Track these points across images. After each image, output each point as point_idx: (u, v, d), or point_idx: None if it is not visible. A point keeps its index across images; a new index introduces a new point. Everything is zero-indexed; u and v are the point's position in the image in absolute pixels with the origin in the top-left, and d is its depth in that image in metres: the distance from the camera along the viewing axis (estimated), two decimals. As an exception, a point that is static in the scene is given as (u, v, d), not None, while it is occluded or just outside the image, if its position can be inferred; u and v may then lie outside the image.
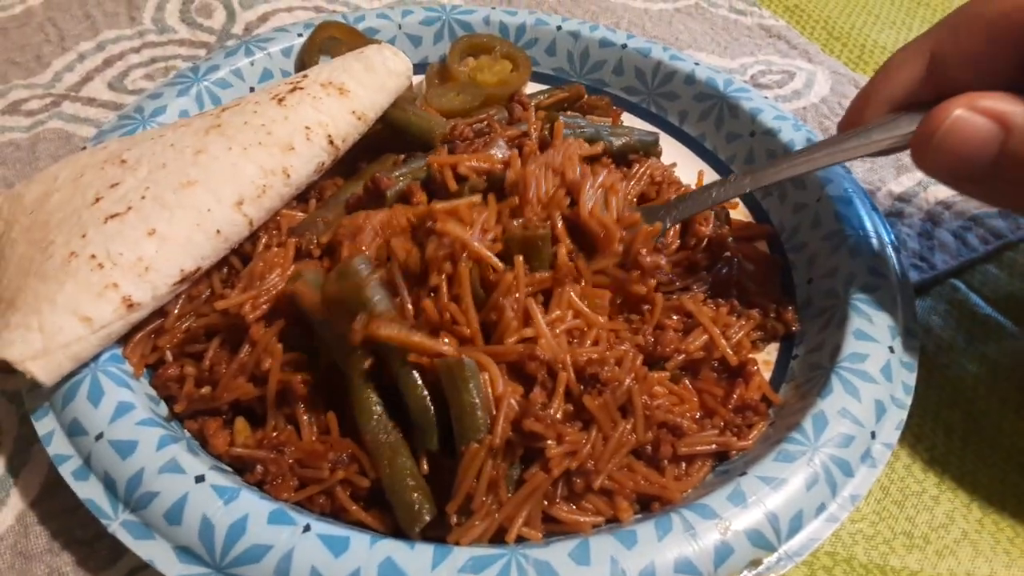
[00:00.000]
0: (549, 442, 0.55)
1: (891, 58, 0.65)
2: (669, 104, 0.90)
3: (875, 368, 0.61)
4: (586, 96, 0.91)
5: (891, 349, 0.63)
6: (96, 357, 0.59)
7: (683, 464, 0.60)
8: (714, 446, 0.60)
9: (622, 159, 0.79)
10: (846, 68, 1.01)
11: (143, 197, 0.63)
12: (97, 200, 0.63)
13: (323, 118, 0.71)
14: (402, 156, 0.78)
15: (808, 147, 0.68)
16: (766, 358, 0.69)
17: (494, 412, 0.55)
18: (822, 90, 0.97)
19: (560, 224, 0.64)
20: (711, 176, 0.84)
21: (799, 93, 0.97)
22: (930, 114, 0.57)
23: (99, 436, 0.55)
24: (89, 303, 0.57)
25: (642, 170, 0.77)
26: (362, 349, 0.56)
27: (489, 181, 0.68)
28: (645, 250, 0.64)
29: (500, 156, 0.69)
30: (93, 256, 0.59)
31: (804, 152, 0.67)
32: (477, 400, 0.55)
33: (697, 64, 0.89)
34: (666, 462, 0.59)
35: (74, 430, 0.56)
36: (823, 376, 0.61)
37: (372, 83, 0.76)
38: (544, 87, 0.93)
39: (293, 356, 0.59)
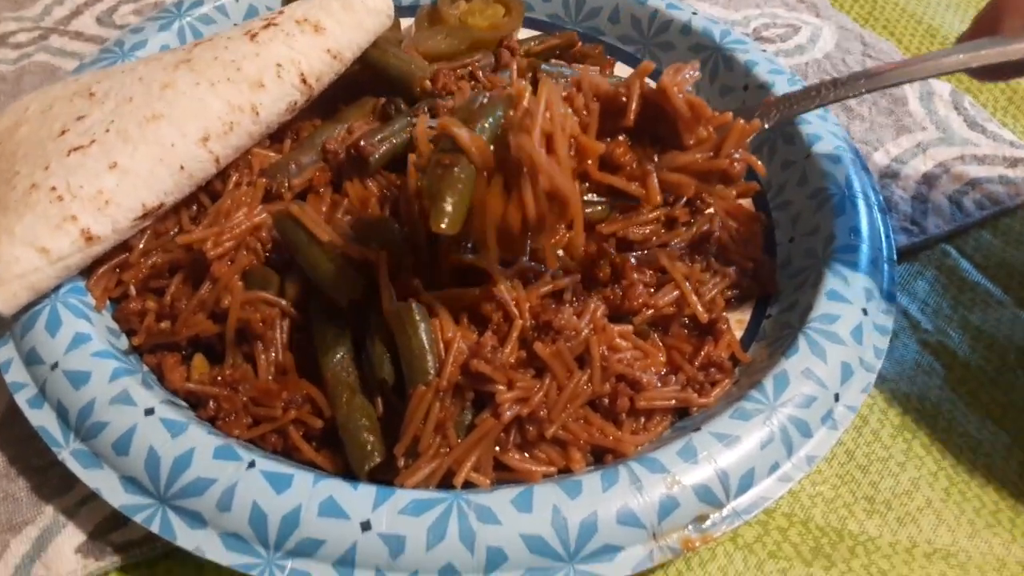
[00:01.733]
0: (499, 387, 0.54)
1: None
2: (664, 54, 0.87)
3: (845, 330, 0.59)
4: (579, 44, 0.88)
5: (864, 311, 0.61)
6: (57, 289, 0.59)
7: (641, 419, 0.59)
8: (674, 402, 0.59)
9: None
10: (854, 23, 0.97)
11: (107, 130, 0.62)
12: (63, 132, 0.63)
13: (296, 55, 0.70)
14: (382, 100, 0.76)
15: (936, 52, 0.63)
16: (740, 317, 0.67)
17: (443, 356, 0.54)
18: (826, 45, 0.93)
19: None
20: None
21: (802, 48, 0.94)
22: None
23: (54, 366, 0.55)
24: (47, 235, 0.57)
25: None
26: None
27: None
28: (740, 152, 0.57)
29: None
30: (53, 188, 0.58)
31: (932, 56, 0.62)
32: (426, 343, 0.54)
33: (695, 13, 0.86)
34: (624, 416, 0.58)
35: (31, 359, 0.57)
36: (791, 336, 0.59)
37: (349, 21, 0.74)
38: (537, 33, 0.90)
39: (253, 295, 0.59)
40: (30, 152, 0.62)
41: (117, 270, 0.63)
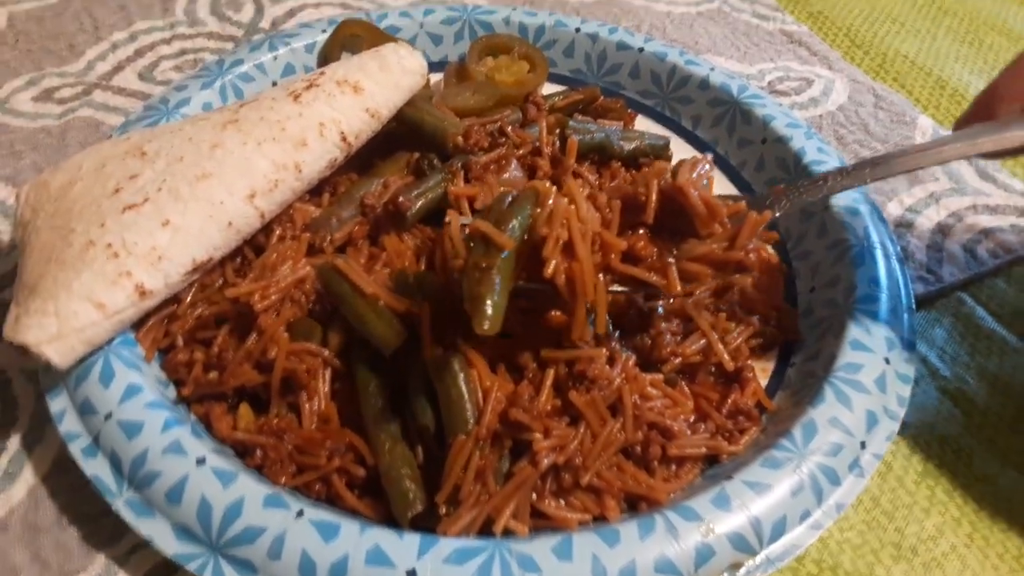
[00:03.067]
0: (536, 435, 0.56)
1: (1021, 54, 0.63)
2: (683, 108, 0.90)
3: (869, 379, 0.61)
4: (601, 98, 0.91)
5: (887, 360, 0.63)
6: (109, 341, 0.62)
7: (673, 466, 0.61)
8: (704, 449, 0.61)
9: (632, 163, 0.80)
10: (866, 76, 1.00)
11: (159, 189, 0.65)
12: (117, 190, 0.66)
13: (336, 115, 0.73)
14: (415, 155, 0.79)
15: (936, 140, 0.66)
16: (765, 365, 0.69)
17: (482, 405, 0.57)
18: (839, 98, 0.97)
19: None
20: (721, 183, 0.84)
21: (816, 101, 0.97)
22: None
23: (108, 416, 0.58)
24: (104, 290, 0.60)
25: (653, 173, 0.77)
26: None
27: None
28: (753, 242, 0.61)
29: (515, 181, 0.70)
30: (109, 245, 0.61)
31: (933, 145, 0.65)
32: (465, 393, 0.57)
33: (712, 69, 0.90)
34: (656, 463, 0.60)
35: (85, 409, 0.59)
36: (817, 385, 0.62)
37: (386, 81, 0.77)
38: (561, 88, 0.94)
39: (298, 346, 0.61)
40: (86, 209, 0.65)
41: (165, 322, 0.66)
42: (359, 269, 0.63)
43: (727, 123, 0.87)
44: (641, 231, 0.61)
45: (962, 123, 0.65)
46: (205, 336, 0.66)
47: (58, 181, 0.70)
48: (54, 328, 0.58)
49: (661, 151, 0.82)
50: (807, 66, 1.02)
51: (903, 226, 0.83)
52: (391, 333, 0.59)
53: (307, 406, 0.61)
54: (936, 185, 0.87)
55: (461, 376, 0.57)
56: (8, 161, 0.88)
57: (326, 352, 0.62)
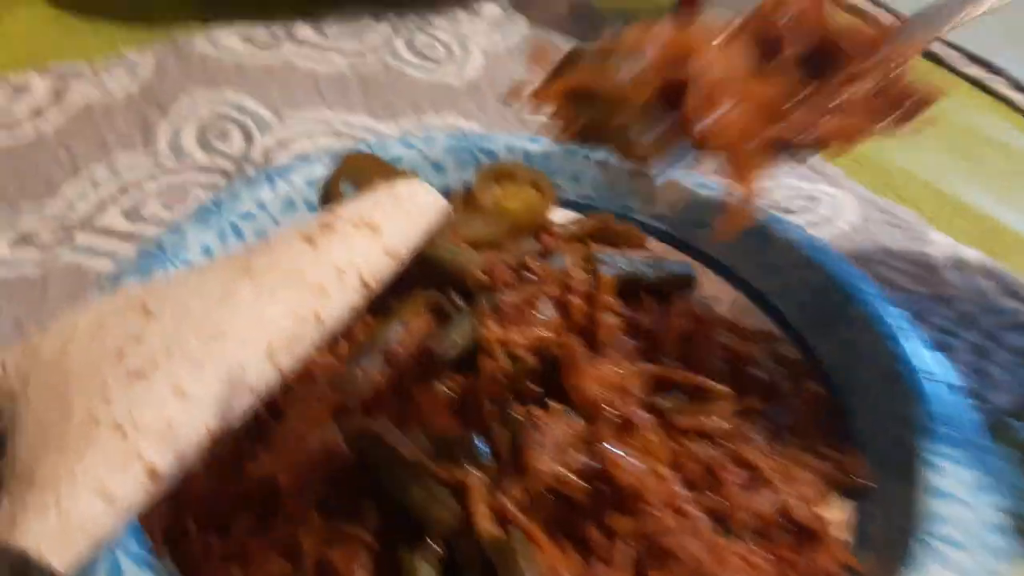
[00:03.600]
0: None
1: None
2: (699, 232, 0.88)
3: (958, 532, 0.57)
4: (612, 226, 0.89)
5: (970, 506, 0.59)
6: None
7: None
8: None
9: (657, 292, 0.77)
10: (871, 194, 1.01)
11: (169, 353, 0.59)
12: (120, 356, 0.59)
13: (356, 258, 0.69)
14: (434, 293, 0.75)
15: None
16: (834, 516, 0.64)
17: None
18: (851, 216, 0.96)
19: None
20: (751, 313, 0.81)
21: (829, 220, 0.96)
22: None
23: (118, 628, 0.50)
24: (112, 477, 0.52)
25: (681, 307, 0.74)
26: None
27: (539, 356, 0.65)
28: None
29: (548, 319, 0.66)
30: (118, 424, 0.54)
31: None
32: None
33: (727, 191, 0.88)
34: None
35: (90, 621, 0.51)
36: (902, 542, 0.57)
37: (404, 220, 0.73)
38: (570, 213, 0.91)
39: (333, 530, 0.54)
40: (85, 378, 0.58)
41: (173, 502, 0.58)
42: (397, 432, 0.58)
43: (750, 247, 0.85)
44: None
45: None
46: (219, 520, 0.58)
47: (50, 345, 0.63)
48: (55, 526, 0.50)
49: (687, 280, 0.79)
50: (811, 184, 1.02)
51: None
52: (447, 514, 0.53)
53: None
54: (965, 307, 0.85)
55: (527, 564, 0.51)
56: (-17, 315, 0.81)
57: (365, 535, 0.55)
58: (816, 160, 1.07)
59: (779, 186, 1.02)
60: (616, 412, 0.60)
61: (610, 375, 0.64)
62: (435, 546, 0.55)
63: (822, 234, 0.94)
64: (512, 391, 0.63)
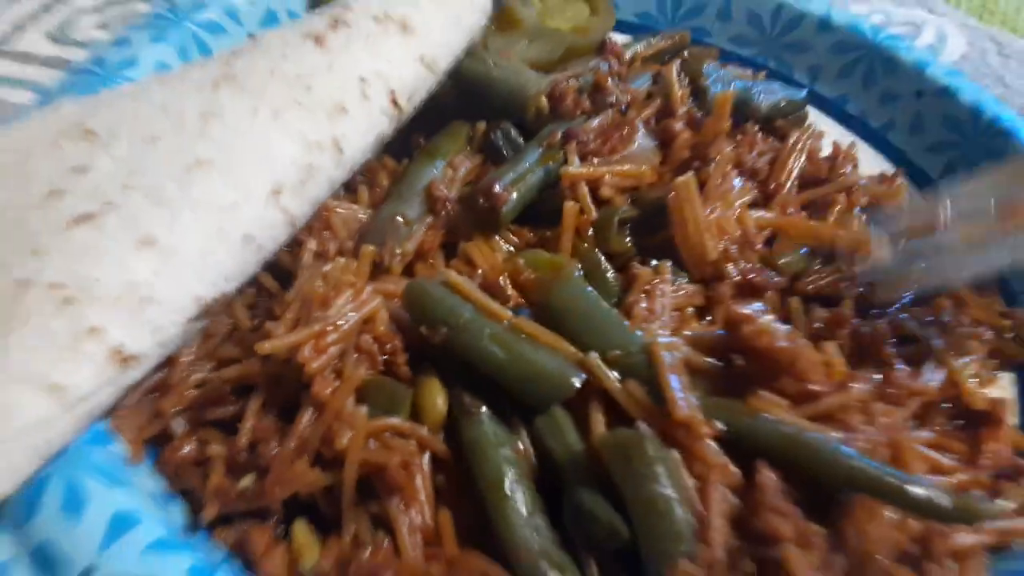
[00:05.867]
0: (791, 549, 0.36)
1: None
2: (796, 57, 0.71)
3: None
4: (690, 47, 0.71)
5: None
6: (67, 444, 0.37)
7: (952, 563, 0.41)
8: (991, 539, 0.42)
9: (768, 126, 0.60)
10: (975, 21, 0.84)
11: (125, 186, 0.41)
12: (54, 194, 0.41)
13: (382, 65, 0.50)
14: (478, 125, 0.56)
15: None
16: (1000, 394, 0.50)
17: (700, 507, 0.36)
18: (959, 46, 0.80)
19: None
20: (865, 154, 0.65)
21: (935, 50, 0.80)
22: None
23: (88, 572, 0.34)
24: (57, 362, 0.35)
25: (799, 142, 0.58)
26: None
27: (635, 201, 0.48)
28: None
29: (645, 155, 0.49)
30: (55, 285, 0.37)
31: None
32: (673, 493, 0.35)
33: (831, 6, 0.70)
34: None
35: (45, 562, 0.35)
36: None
37: (443, 16, 0.55)
38: (626, 37, 0.73)
39: (380, 424, 0.39)
40: (7, 229, 0.40)
41: (152, 395, 0.42)
42: (469, 286, 0.41)
43: (861, 74, 0.68)
44: None
45: None
46: (218, 416, 0.42)
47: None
48: (-23, 436, 0.33)
49: (800, 110, 0.62)
50: (905, 8, 0.85)
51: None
52: (561, 368, 0.37)
53: (404, 519, 0.38)
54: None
55: (661, 469, 0.36)
56: None
57: (422, 430, 0.39)
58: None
59: (872, 11, 0.84)
60: (740, 269, 0.44)
61: (728, 225, 0.48)
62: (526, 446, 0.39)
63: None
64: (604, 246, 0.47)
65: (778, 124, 0.60)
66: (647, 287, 0.44)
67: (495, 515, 0.38)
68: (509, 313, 0.41)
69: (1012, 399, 0.51)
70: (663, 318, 0.42)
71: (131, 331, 0.38)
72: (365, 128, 0.48)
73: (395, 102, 0.50)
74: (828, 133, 0.65)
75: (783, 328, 0.39)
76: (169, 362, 0.42)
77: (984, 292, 0.54)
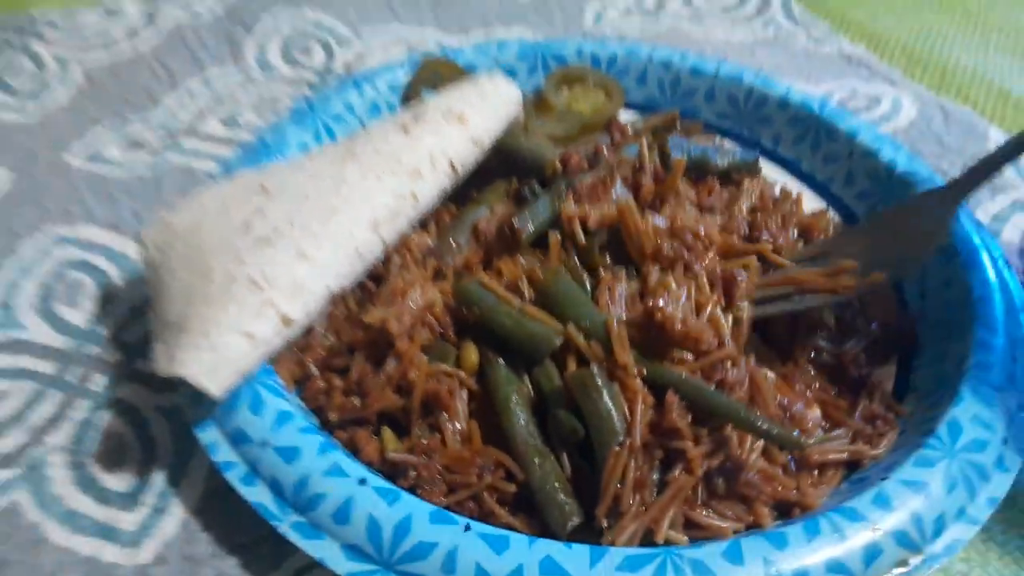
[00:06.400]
0: (688, 443, 0.57)
1: None
2: (763, 128, 0.93)
3: (1001, 376, 0.62)
4: (679, 122, 0.94)
5: (1013, 358, 0.64)
6: (253, 372, 0.63)
7: (815, 472, 0.61)
8: (847, 455, 0.62)
9: (727, 179, 0.82)
10: (930, 93, 1.03)
11: (291, 224, 0.67)
12: (247, 226, 0.68)
13: (445, 145, 0.76)
14: (514, 182, 0.81)
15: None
16: (885, 373, 0.70)
17: (628, 416, 0.58)
18: (910, 114, 0.99)
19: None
20: (810, 199, 0.86)
21: (888, 117, 1.00)
22: None
23: (264, 443, 0.59)
24: (251, 321, 0.61)
25: (752, 185, 0.80)
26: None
27: (610, 233, 0.71)
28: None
29: (621, 198, 0.72)
30: (251, 279, 0.63)
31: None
32: (612, 406, 0.58)
33: (789, 89, 0.92)
34: (794, 467, 0.61)
35: (238, 439, 0.60)
36: (952, 385, 0.63)
37: (487, 111, 0.80)
38: (636, 116, 0.96)
39: (436, 367, 0.63)
40: (219, 246, 0.67)
41: (298, 352, 0.67)
42: (498, 286, 0.65)
43: (810, 140, 0.89)
44: None
45: None
46: (338, 364, 0.67)
47: (183, 221, 0.72)
48: (209, 360, 0.59)
49: (752, 166, 0.84)
50: (870, 85, 1.05)
51: (992, 233, 0.84)
52: (548, 332, 0.60)
53: (449, 426, 0.62)
54: (1018, 193, 0.89)
55: (606, 391, 0.58)
56: (107, 208, 0.90)
57: (462, 373, 0.63)
58: (874, 61, 1.09)
59: (841, 87, 1.05)
60: (670, 257, 0.66)
61: (664, 227, 0.70)
62: (527, 385, 0.62)
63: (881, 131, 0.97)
64: (585, 260, 0.71)
65: (735, 177, 0.82)
66: (609, 285, 0.66)
67: (505, 424, 0.61)
68: (518, 301, 0.65)
69: (892, 373, 0.71)
70: (618, 304, 0.65)
71: (292, 306, 0.63)
72: (432, 185, 0.74)
73: (453, 167, 0.76)
74: (787, 185, 0.87)
75: (681, 313, 0.61)
76: (308, 331, 0.68)
77: (881, 295, 0.74)
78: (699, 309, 0.63)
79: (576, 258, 0.71)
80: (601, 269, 0.69)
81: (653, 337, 0.61)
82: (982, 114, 1.02)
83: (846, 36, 1.15)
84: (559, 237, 0.69)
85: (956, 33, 1.15)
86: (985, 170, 0.69)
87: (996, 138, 0.96)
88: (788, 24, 1.18)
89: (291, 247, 0.66)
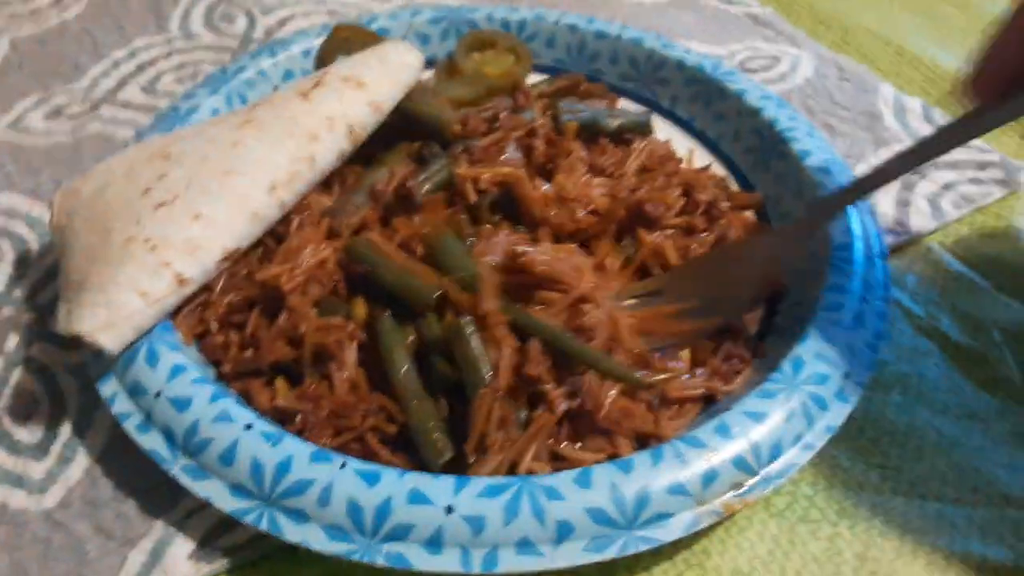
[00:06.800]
0: (548, 385, 0.62)
1: (993, 33, 0.60)
2: (661, 89, 0.96)
3: (848, 317, 0.67)
4: (584, 84, 0.97)
5: (864, 300, 0.69)
6: (151, 328, 0.67)
7: (675, 407, 0.67)
8: (702, 390, 0.67)
9: (619, 139, 0.86)
10: (829, 51, 1.07)
11: (188, 186, 0.71)
12: (147, 191, 0.71)
13: (344, 109, 0.79)
14: (416, 144, 0.85)
15: (932, 135, 0.65)
16: (753, 316, 0.75)
17: (495, 360, 0.62)
18: (806, 72, 1.03)
19: None
20: (701, 154, 0.90)
21: (784, 76, 1.04)
22: None
23: (158, 394, 0.63)
24: (146, 280, 0.65)
25: (641, 146, 0.84)
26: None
27: (502, 191, 0.75)
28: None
29: (513, 159, 0.76)
30: (147, 240, 0.67)
31: (931, 139, 0.65)
32: (480, 353, 0.62)
33: (687, 51, 0.96)
34: (657, 402, 0.66)
35: (135, 390, 0.64)
36: (801, 325, 0.68)
37: (388, 76, 0.83)
38: (545, 77, 1.00)
39: (326, 321, 0.67)
40: (121, 210, 0.70)
41: (199, 309, 0.71)
42: (385, 242, 0.69)
43: (703, 100, 0.93)
44: None
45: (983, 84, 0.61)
46: (237, 320, 0.71)
47: (89, 187, 0.75)
48: (104, 317, 0.63)
49: (644, 126, 0.88)
50: (774, 44, 1.09)
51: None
52: (427, 287, 0.65)
53: (338, 375, 0.66)
54: (901, 146, 0.93)
55: (474, 338, 0.63)
56: (28, 177, 0.93)
57: (351, 325, 0.67)
58: (779, 22, 1.13)
59: (744, 48, 1.09)
60: (556, 222, 0.71)
61: (555, 195, 0.74)
62: (410, 334, 0.67)
63: (777, 89, 1.01)
64: (476, 217, 0.75)
65: (626, 137, 0.86)
66: (486, 236, 0.71)
67: (388, 371, 0.65)
68: (403, 257, 0.69)
69: (758, 317, 0.76)
70: (495, 252, 0.69)
71: (187, 265, 0.67)
72: (330, 148, 0.77)
73: (352, 132, 0.79)
74: (681, 143, 0.92)
75: (543, 255, 0.66)
76: (207, 288, 0.71)
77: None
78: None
79: (468, 215, 0.75)
80: (488, 226, 0.73)
81: (522, 282, 0.65)
82: (878, 71, 1.06)
83: (757, -2, 1.18)
84: (443, 196, 0.73)
85: (863, -9, 1.19)
86: (828, 210, 0.72)
87: (887, 94, 1.01)
88: (703, -14, 1.21)
89: (187, 208, 0.69)
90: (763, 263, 0.72)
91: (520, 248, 0.65)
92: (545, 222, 0.72)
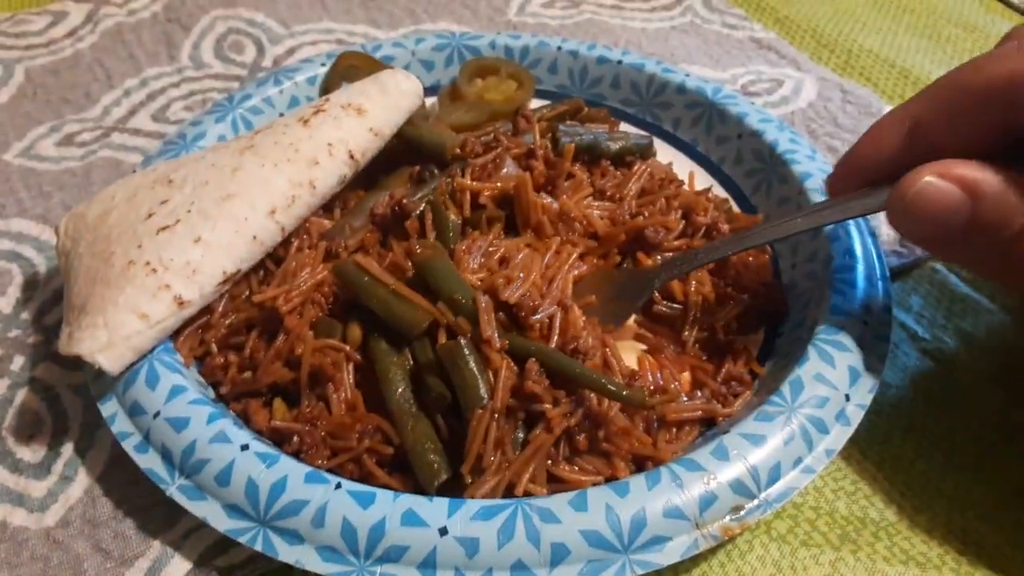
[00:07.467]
0: (547, 405, 0.62)
1: (874, 124, 0.64)
2: (663, 113, 0.97)
3: (849, 339, 0.67)
4: (585, 109, 0.98)
5: (865, 323, 0.68)
6: (152, 350, 0.68)
7: (673, 429, 0.66)
8: (700, 413, 0.66)
9: (620, 161, 0.87)
10: (833, 74, 1.07)
11: (189, 211, 0.71)
12: (150, 215, 0.72)
13: (343, 135, 0.80)
14: (416, 168, 0.85)
15: (786, 217, 0.69)
16: (755, 338, 0.74)
17: (493, 383, 0.62)
18: (809, 95, 1.04)
19: None
20: (702, 177, 0.90)
21: (787, 99, 1.04)
22: (902, 180, 0.57)
23: (156, 414, 0.63)
24: (146, 302, 0.66)
25: (642, 169, 0.84)
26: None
27: (499, 204, 0.75)
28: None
29: (511, 174, 0.76)
30: (148, 263, 0.67)
31: (783, 218, 0.69)
32: (477, 373, 0.62)
33: (687, 75, 0.96)
34: (656, 425, 0.65)
35: (134, 411, 0.64)
36: (801, 347, 0.67)
37: (387, 103, 0.84)
38: (547, 102, 1.01)
39: (322, 342, 0.67)
40: (123, 234, 0.71)
41: (199, 331, 0.72)
42: (377, 264, 0.70)
43: (705, 123, 0.93)
44: None
45: (829, 188, 0.69)
46: (237, 342, 0.71)
47: (94, 212, 0.76)
48: (104, 339, 0.64)
49: (645, 149, 0.88)
50: (777, 68, 1.09)
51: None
52: (417, 315, 0.65)
53: (335, 396, 0.66)
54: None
55: (472, 359, 0.62)
56: (38, 201, 0.94)
57: (347, 347, 0.68)
58: (783, 45, 1.13)
59: (747, 72, 1.09)
60: (551, 233, 0.71)
61: (553, 207, 0.75)
62: (406, 356, 0.67)
63: (780, 112, 1.02)
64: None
65: (628, 159, 0.87)
66: (469, 241, 0.71)
67: (385, 393, 0.65)
68: (392, 280, 0.69)
69: (760, 339, 0.75)
70: (473, 257, 0.70)
71: (186, 288, 0.67)
72: (330, 173, 0.78)
73: (352, 157, 0.80)
74: (683, 166, 0.92)
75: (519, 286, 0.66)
76: (209, 310, 0.72)
77: (757, 266, 0.78)
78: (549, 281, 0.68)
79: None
80: (477, 231, 0.73)
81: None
82: (882, 94, 1.06)
83: (760, 22, 1.19)
84: (432, 213, 0.73)
85: (867, 15, 1.19)
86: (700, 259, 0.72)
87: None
88: (705, 12, 1.22)
89: (188, 231, 0.70)
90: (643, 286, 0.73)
91: (496, 280, 0.65)
92: (540, 227, 0.72)
